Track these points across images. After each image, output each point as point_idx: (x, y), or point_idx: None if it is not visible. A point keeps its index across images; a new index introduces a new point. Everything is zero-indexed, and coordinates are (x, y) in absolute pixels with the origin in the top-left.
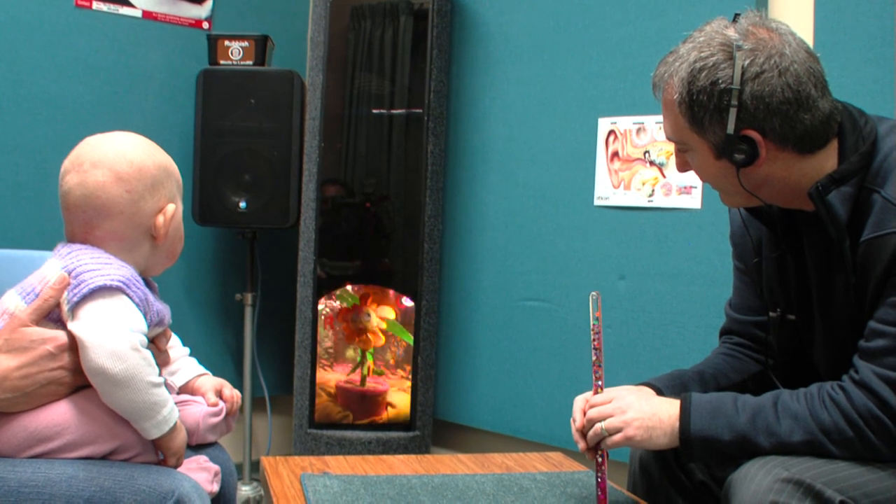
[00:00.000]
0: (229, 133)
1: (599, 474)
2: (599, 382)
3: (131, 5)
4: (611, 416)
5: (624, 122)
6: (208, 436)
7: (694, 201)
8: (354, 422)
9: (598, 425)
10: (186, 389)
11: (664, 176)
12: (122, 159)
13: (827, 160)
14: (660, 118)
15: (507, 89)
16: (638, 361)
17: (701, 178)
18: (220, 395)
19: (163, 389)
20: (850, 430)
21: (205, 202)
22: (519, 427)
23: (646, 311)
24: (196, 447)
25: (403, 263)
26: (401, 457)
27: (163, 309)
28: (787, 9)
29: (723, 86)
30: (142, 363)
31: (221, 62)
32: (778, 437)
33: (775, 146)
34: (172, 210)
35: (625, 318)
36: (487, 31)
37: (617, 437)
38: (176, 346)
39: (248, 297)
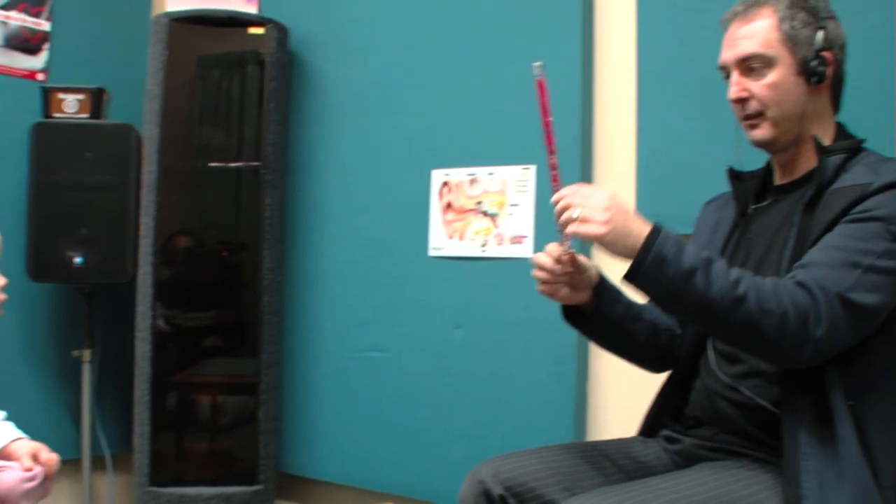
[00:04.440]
0: (65, 187)
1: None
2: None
3: None
4: (591, 207)
5: (457, 174)
6: (22, 502)
7: (526, 250)
8: (197, 478)
9: (574, 211)
10: (2, 455)
11: (496, 226)
12: None
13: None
14: (491, 169)
15: (344, 141)
16: (475, 409)
17: (765, 96)
18: (36, 459)
19: None
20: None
21: (40, 257)
22: (362, 478)
23: (485, 360)
24: None
25: (244, 316)
26: None
27: None
28: (610, 35)
29: (815, 13)
30: None
31: (55, 115)
32: (721, 282)
33: (831, 78)
34: None
35: (463, 367)
36: (325, 83)
37: (588, 228)
38: None
39: (86, 354)
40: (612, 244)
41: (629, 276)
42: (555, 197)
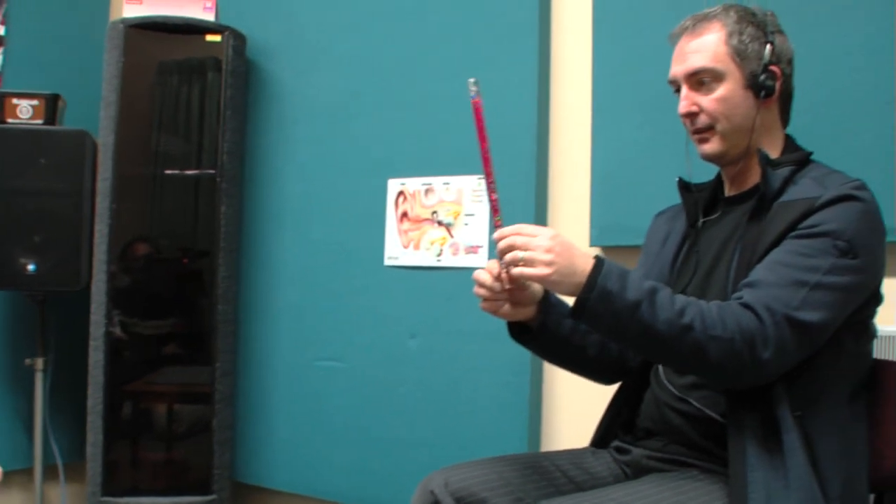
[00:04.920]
0: (18, 194)
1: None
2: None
3: None
4: (534, 249)
5: (413, 184)
6: None
7: (480, 260)
8: (150, 487)
9: (517, 253)
10: None
11: (452, 236)
12: None
13: (776, 148)
14: (447, 179)
15: (300, 149)
16: (430, 419)
17: (714, 110)
18: None
19: None
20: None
21: None
22: (317, 487)
23: (440, 369)
24: None
25: (199, 324)
26: None
27: None
28: (566, 49)
29: (763, 28)
30: None
31: (9, 120)
32: (667, 312)
33: (779, 91)
34: None
35: (417, 376)
36: (282, 91)
37: (533, 271)
38: None
39: (39, 362)
40: (557, 284)
41: (576, 314)
42: (496, 234)
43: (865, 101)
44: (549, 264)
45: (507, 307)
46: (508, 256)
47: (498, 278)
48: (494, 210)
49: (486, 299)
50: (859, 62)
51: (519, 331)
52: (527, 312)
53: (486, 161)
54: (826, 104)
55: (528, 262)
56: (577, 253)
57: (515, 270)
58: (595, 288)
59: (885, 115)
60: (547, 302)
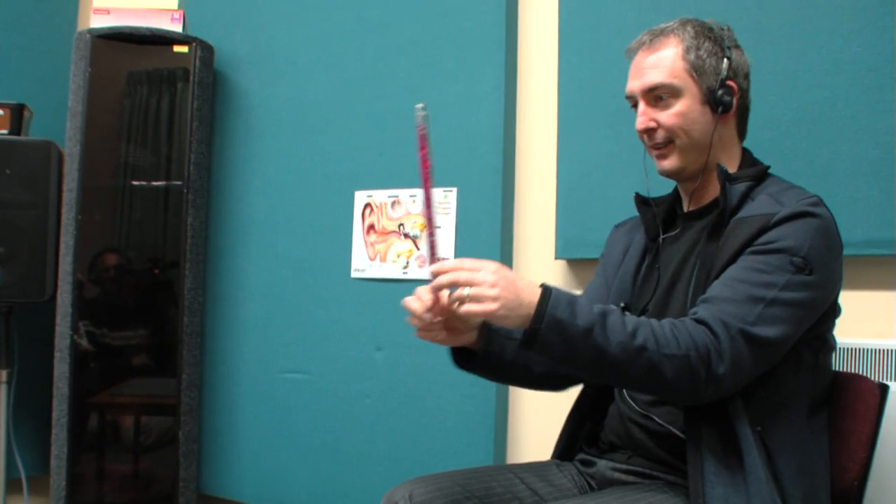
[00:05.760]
0: None
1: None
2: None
3: None
4: (479, 284)
5: (379, 196)
6: None
7: None
8: (115, 500)
9: (462, 290)
10: None
11: (418, 248)
12: None
13: (733, 163)
14: (413, 191)
15: (268, 161)
16: (396, 431)
17: (672, 125)
18: None
19: None
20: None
21: None
22: (283, 499)
23: (404, 382)
24: None
25: (165, 336)
26: None
27: None
28: (532, 65)
29: (720, 43)
30: None
31: None
32: (619, 335)
33: (736, 106)
34: None
35: (383, 388)
36: (250, 102)
37: (480, 307)
38: None
39: (3, 374)
40: (504, 318)
41: (526, 344)
42: (435, 268)
43: (865, 111)
44: (495, 299)
45: (442, 334)
46: (455, 294)
47: (429, 309)
48: (432, 252)
49: (420, 328)
50: (859, 70)
51: (465, 357)
52: (466, 339)
53: (427, 201)
54: (825, 113)
55: (473, 299)
56: (522, 284)
57: (462, 308)
58: (545, 318)
59: (886, 125)
60: (488, 327)
